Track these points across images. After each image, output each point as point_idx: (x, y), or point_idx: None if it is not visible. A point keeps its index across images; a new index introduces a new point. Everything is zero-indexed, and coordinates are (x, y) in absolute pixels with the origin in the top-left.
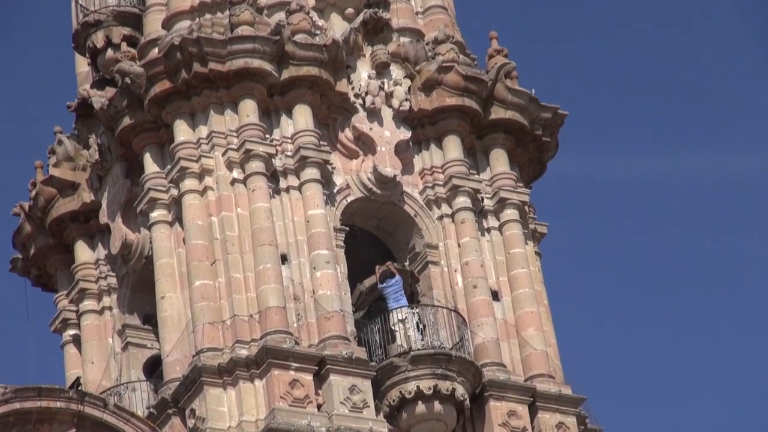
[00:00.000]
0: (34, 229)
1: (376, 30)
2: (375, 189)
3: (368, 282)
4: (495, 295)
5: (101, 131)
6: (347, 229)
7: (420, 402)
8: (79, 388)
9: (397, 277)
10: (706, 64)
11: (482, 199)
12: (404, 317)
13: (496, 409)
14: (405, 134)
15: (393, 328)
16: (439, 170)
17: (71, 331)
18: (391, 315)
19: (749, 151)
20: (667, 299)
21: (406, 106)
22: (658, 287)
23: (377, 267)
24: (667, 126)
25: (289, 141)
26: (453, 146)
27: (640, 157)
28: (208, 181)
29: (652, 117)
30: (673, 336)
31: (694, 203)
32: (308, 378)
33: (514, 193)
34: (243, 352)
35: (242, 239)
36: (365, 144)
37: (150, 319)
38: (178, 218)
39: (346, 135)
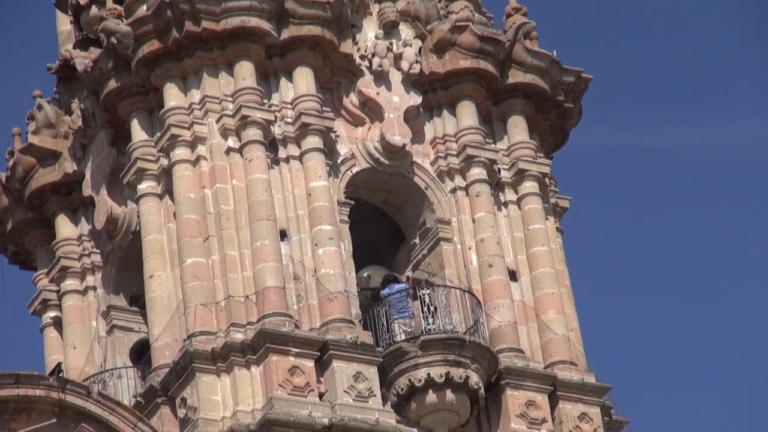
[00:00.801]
0: (12, 202)
1: None
2: (382, 159)
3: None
4: (512, 275)
5: (85, 95)
6: (352, 202)
7: (431, 391)
8: (60, 374)
9: (403, 284)
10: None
11: (499, 170)
12: (410, 330)
13: (514, 399)
14: (415, 99)
15: (395, 340)
16: (452, 139)
17: (52, 313)
18: (392, 326)
19: None
20: (702, 279)
21: (416, 69)
22: (692, 266)
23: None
24: (700, 94)
25: (289, 107)
26: (467, 113)
27: (671, 127)
28: (201, 150)
29: (684, 84)
30: (709, 319)
31: (731, 176)
32: (309, 364)
33: (534, 164)
34: (238, 336)
35: (238, 213)
36: (372, 110)
37: (137, 300)
38: (168, 190)
39: (351, 100)
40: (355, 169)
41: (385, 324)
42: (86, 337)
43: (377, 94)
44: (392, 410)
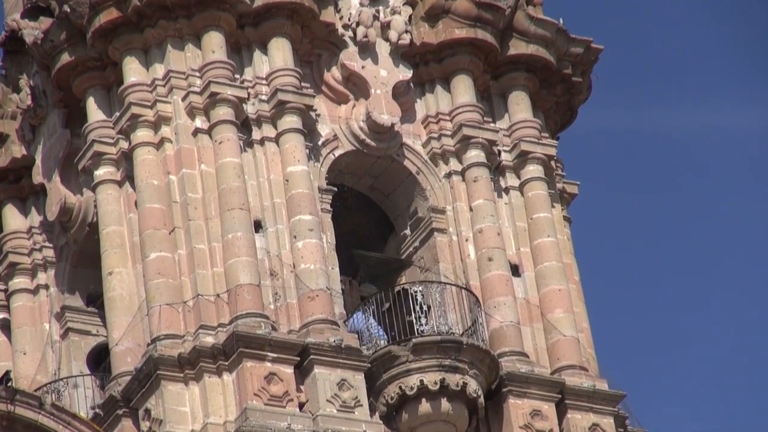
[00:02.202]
0: None
1: None
2: (368, 141)
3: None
4: (515, 270)
5: (34, 71)
6: (335, 189)
7: (424, 400)
8: (9, 384)
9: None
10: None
11: (499, 152)
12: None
13: (517, 408)
14: (405, 74)
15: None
16: (447, 117)
17: None
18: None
19: None
20: (725, 276)
21: (406, 39)
22: (713, 261)
23: None
24: (720, 72)
25: (264, 82)
26: (463, 88)
27: (688, 108)
28: (165, 131)
29: (702, 61)
30: (732, 320)
31: (755, 158)
32: (288, 371)
33: (538, 146)
34: (208, 340)
35: (207, 202)
36: (356, 86)
37: (95, 300)
38: (129, 177)
39: (333, 75)
40: (338, 152)
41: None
42: (38, 341)
43: (362, 67)
44: (381, 422)
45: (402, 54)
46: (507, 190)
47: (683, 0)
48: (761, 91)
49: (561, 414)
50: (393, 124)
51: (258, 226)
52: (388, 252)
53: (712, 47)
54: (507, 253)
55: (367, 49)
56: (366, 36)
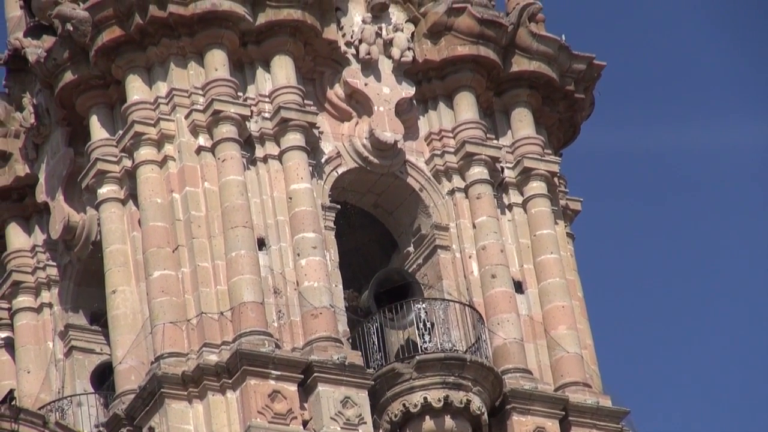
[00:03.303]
0: None
1: None
2: (371, 158)
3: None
4: (518, 287)
5: (37, 89)
6: (338, 207)
7: (428, 417)
8: (13, 402)
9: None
10: None
11: (502, 169)
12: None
13: (521, 425)
14: (407, 91)
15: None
16: (450, 134)
17: (3, 334)
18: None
19: None
20: (732, 293)
21: (408, 56)
22: (720, 278)
23: None
24: (724, 89)
25: (267, 100)
26: (466, 105)
27: (691, 125)
28: (169, 149)
29: (708, 77)
30: (739, 337)
31: (757, 175)
32: (292, 388)
33: (541, 162)
34: (212, 358)
35: (210, 220)
36: (359, 103)
37: (99, 319)
38: (132, 195)
39: (335, 92)
40: (341, 170)
41: (376, 342)
42: (42, 359)
43: (365, 85)
44: None
45: (405, 71)
46: (510, 206)
47: (686, 17)
48: (765, 109)
49: (565, 430)
50: (396, 142)
51: (261, 243)
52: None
53: (716, 64)
54: (510, 270)
55: (369, 67)
56: (369, 53)
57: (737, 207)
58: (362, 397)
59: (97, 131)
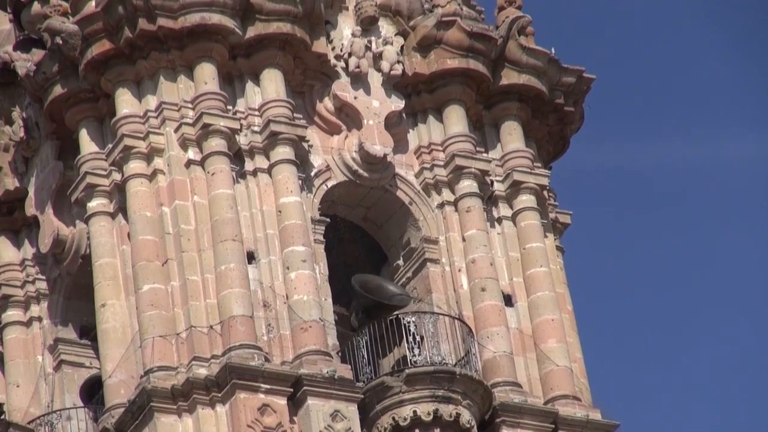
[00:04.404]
0: None
1: None
2: (361, 171)
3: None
4: (508, 300)
5: (27, 103)
6: (327, 220)
7: (417, 430)
8: (2, 416)
9: None
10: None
11: (491, 182)
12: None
13: None
14: (397, 104)
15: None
16: (439, 148)
17: None
18: None
19: None
20: (719, 304)
21: (398, 69)
22: (707, 291)
23: None
24: (715, 102)
25: (257, 113)
26: (456, 118)
27: (681, 138)
28: (158, 163)
29: (698, 91)
30: (727, 346)
31: (747, 189)
32: (281, 402)
33: (531, 175)
34: (202, 372)
35: (200, 234)
36: (349, 116)
37: (88, 332)
38: (122, 209)
39: (325, 106)
40: (330, 183)
41: (365, 356)
42: (31, 373)
43: (355, 98)
44: None
45: (394, 84)
46: (500, 220)
47: (677, 30)
48: (757, 123)
49: None
50: (385, 155)
51: (251, 257)
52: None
53: (706, 78)
54: (500, 283)
55: (359, 80)
56: (358, 67)
57: (727, 220)
58: (352, 411)
59: (87, 145)
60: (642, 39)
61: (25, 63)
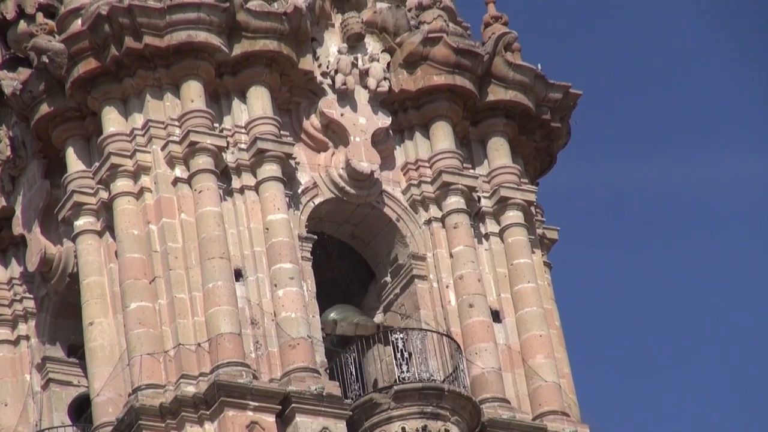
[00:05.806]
0: None
1: None
2: (348, 188)
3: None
4: (495, 316)
5: (13, 122)
6: (315, 237)
7: None
8: None
9: None
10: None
11: (479, 198)
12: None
13: None
14: (384, 121)
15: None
16: (426, 164)
17: None
18: None
19: None
20: (707, 318)
21: (384, 86)
22: (696, 307)
23: None
24: (703, 119)
25: (243, 131)
26: (442, 135)
27: (669, 158)
28: (145, 181)
29: (686, 108)
30: (717, 361)
31: (736, 210)
32: (270, 419)
33: (518, 191)
34: (190, 389)
35: (187, 251)
36: (335, 134)
37: (76, 351)
38: (109, 227)
39: (312, 123)
40: (317, 200)
41: (354, 372)
42: (19, 392)
43: (341, 115)
44: None
45: (381, 101)
46: (487, 236)
47: (664, 47)
48: (747, 144)
49: None
50: (372, 172)
51: (238, 274)
52: (369, 300)
53: (694, 96)
54: (488, 299)
55: (345, 97)
56: (345, 84)
57: (716, 238)
58: (340, 428)
59: (74, 163)
60: (630, 55)
61: (11, 82)
